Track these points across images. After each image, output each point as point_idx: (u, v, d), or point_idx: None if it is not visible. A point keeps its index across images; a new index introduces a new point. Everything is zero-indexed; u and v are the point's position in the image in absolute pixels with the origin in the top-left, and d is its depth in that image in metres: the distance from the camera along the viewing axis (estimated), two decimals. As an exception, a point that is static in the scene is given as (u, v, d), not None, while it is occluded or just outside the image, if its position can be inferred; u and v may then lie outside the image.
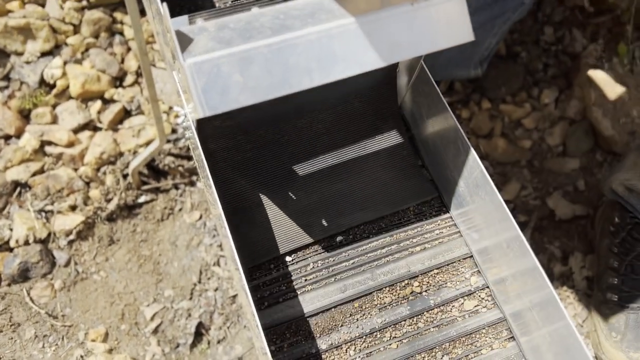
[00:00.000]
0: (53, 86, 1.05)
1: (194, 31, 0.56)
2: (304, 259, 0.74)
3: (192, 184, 1.06)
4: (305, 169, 0.79)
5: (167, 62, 0.79)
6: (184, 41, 0.54)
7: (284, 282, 0.73)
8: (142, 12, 1.15)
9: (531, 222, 1.06)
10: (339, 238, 0.76)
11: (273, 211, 0.76)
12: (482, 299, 0.75)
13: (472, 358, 0.72)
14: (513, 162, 1.10)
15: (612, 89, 1.07)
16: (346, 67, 0.56)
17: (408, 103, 0.82)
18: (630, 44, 1.15)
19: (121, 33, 1.12)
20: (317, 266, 0.74)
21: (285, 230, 0.75)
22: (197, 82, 0.52)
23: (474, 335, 0.73)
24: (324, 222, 0.76)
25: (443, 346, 0.72)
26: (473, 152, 0.70)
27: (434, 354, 0.71)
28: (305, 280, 0.73)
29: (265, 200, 0.77)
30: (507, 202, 0.72)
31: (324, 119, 0.80)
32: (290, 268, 0.74)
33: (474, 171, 0.71)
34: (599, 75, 1.10)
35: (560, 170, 1.10)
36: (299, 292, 0.72)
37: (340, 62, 0.56)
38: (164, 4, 0.53)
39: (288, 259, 0.74)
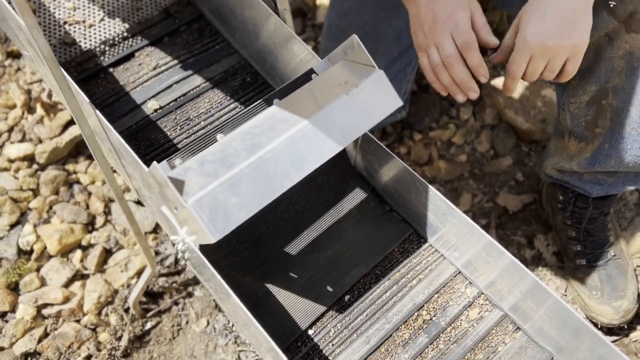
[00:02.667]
0: (31, 252, 1.10)
1: (181, 173, 0.65)
2: (325, 327, 0.82)
3: (190, 295, 1.11)
4: (296, 248, 0.88)
5: (147, 198, 0.87)
6: (178, 184, 0.63)
7: (314, 354, 0.81)
8: (90, 157, 1.22)
9: (491, 222, 1.19)
10: (347, 297, 0.85)
11: (282, 295, 0.84)
12: (482, 305, 0.86)
13: (492, 358, 0.82)
14: (458, 177, 1.23)
15: (514, 90, 1.23)
16: (314, 160, 0.67)
17: (360, 162, 0.94)
18: (513, 48, 1.34)
19: (78, 182, 1.19)
20: (338, 329, 0.82)
21: (299, 307, 0.83)
22: (202, 216, 0.61)
23: (487, 338, 0.83)
24: (329, 288, 0.85)
25: (466, 357, 0.81)
26: (431, 188, 0.82)
27: (461, 366, 0.81)
28: (332, 345, 0.81)
29: (272, 288, 0.85)
30: (465, 212, 0.83)
31: (297, 200, 0.90)
32: (316, 339, 0.82)
33: (438, 203, 0.83)
34: (499, 82, 1.28)
35: (498, 170, 1.24)
36: (330, 358, 0.80)
37: (308, 158, 0.66)
38: (154, 163, 0.62)
39: (310, 332, 0.82)
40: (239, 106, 1.00)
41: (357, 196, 0.93)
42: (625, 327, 1.07)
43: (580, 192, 1.02)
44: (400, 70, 1.10)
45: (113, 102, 0.98)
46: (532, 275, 0.79)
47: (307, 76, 0.78)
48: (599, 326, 1.04)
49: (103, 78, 1.00)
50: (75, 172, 1.19)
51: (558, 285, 1.13)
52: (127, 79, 1.00)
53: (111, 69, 1.01)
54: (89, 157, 1.21)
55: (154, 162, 0.62)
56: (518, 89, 1.24)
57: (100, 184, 1.19)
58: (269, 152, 0.65)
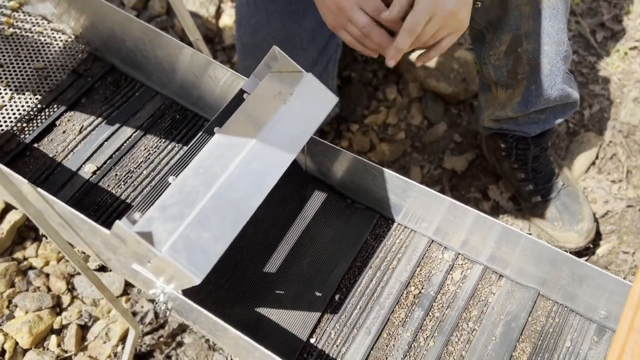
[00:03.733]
0: (3, 352, 1.04)
1: (145, 225, 0.64)
2: (325, 332, 0.83)
3: (180, 344, 1.09)
4: (275, 265, 0.88)
5: (113, 261, 0.84)
6: (146, 237, 0.62)
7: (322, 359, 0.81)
8: (37, 239, 1.17)
9: (445, 187, 1.23)
10: (337, 297, 0.86)
11: (275, 314, 0.84)
12: (461, 264, 0.89)
13: (485, 311, 0.85)
14: (402, 154, 1.27)
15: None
16: (272, 175, 0.68)
17: (311, 165, 0.95)
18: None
19: (32, 267, 1.13)
20: (337, 329, 0.83)
21: (295, 321, 0.84)
22: (180, 260, 0.60)
23: (475, 294, 0.86)
24: (318, 294, 0.86)
25: (462, 316, 0.84)
26: (385, 170, 0.84)
27: (460, 327, 0.83)
28: (337, 346, 0.82)
29: (263, 310, 0.84)
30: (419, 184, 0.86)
31: (263, 218, 0.90)
32: (320, 346, 0.82)
33: (395, 182, 0.86)
34: (414, 56, 1.33)
35: (436, 137, 1.29)
36: (339, 359, 0.81)
37: (266, 175, 0.67)
38: (117, 222, 0.61)
39: (312, 340, 0.82)
40: (177, 145, 0.99)
41: (317, 198, 0.95)
42: (591, 246, 1.14)
43: (519, 135, 1.08)
44: (323, 69, 1.12)
45: (48, 176, 0.94)
46: (498, 223, 0.83)
47: (239, 97, 0.78)
48: (568, 252, 1.11)
49: (30, 155, 0.96)
50: (25, 259, 1.14)
51: (521, 226, 1.19)
52: (55, 150, 0.97)
53: (35, 145, 0.97)
54: (36, 239, 1.16)
55: (116, 222, 0.60)
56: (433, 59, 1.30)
57: (55, 262, 1.14)
58: (226, 180, 0.65)
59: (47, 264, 1.14)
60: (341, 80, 1.35)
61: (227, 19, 1.47)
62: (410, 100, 1.33)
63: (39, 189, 0.71)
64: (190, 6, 1.47)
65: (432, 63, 1.31)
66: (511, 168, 1.12)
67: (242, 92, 0.80)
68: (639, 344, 0.58)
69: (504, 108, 1.05)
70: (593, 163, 1.23)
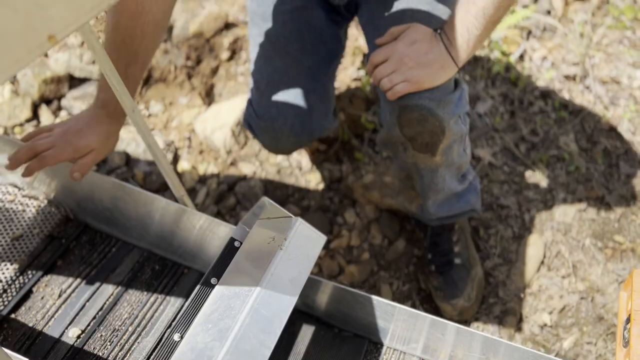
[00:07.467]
0: None
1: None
2: None
3: None
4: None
5: None
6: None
7: None
8: None
9: (415, 301, 1.30)
10: None
11: None
12: (454, 378, 0.93)
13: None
14: (370, 274, 1.34)
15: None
16: (280, 319, 0.71)
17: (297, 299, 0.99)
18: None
19: None
20: None
21: None
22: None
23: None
24: None
25: None
26: (374, 297, 0.89)
27: None
28: None
29: None
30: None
31: None
32: None
33: (383, 307, 0.90)
34: (367, 179, 1.45)
35: (398, 253, 1.38)
36: None
37: (275, 319, 0.70)
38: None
39: None
40: (160, 296, 1.00)
41: (306, 332, 0.97)
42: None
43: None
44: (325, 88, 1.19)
45: (29, 347, 0.91)
46: (479, 333, 0.89)
47: (231, 246, 0.83)
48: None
49: (7, 327, 0.94)
50: None
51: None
52: (34, 318, 0.95)
53: (13, 315, 0.95)
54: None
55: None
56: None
57: None
58: (239, 332, 0.68)
59: None
60: (301, 210, 1.43)
61: (185, 164, 1.55)
62: (369, 222, 1.42)
63: (42, 366, 0.70)
64: (145, 155, 1.54)
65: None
66: (424, 274, 1.30)
67: (233, 240, 0.85)
68: None
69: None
70: (542, 262, 1.34)
